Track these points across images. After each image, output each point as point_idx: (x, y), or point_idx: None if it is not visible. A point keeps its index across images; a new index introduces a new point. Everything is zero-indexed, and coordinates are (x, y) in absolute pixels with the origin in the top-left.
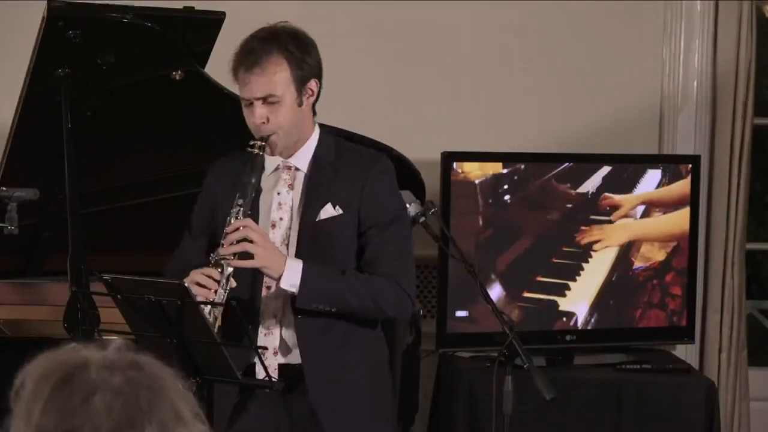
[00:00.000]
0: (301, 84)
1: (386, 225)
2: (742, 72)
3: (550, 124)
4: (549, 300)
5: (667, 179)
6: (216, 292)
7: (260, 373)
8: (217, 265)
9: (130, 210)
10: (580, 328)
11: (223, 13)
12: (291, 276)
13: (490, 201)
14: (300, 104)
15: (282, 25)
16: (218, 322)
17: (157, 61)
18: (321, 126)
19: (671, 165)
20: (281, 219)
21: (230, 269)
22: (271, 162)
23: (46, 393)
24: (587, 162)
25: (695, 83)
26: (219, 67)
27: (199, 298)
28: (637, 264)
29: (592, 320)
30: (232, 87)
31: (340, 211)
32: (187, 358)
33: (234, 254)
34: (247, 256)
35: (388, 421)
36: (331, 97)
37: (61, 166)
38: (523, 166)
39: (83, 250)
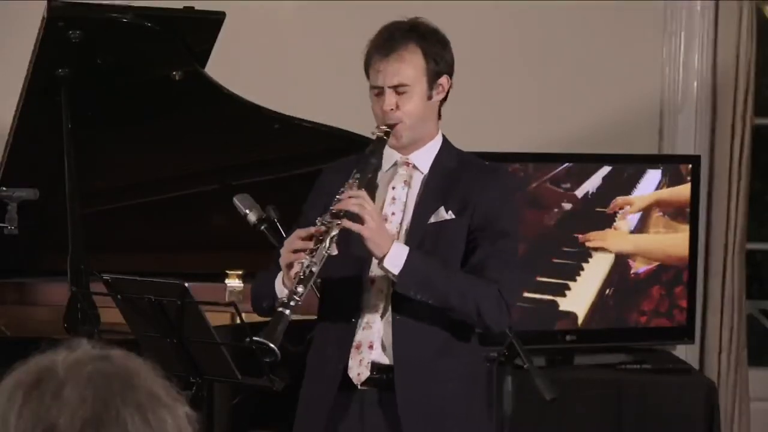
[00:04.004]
0: (433, 78)
1: (499, 234)
2: (742, 72)
3: (550, 124)
4: (549, 300)
5: (667, 179)
6: (317, 249)
7: (353, 369)
8: (324, 225)
9: (130, 210)
10: (580, 328)
11: (223, 13)
12: (395, 258)
13: None
14: (430, 98)
15: (420, 19)
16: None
17: (157, 61)
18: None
19: (671, 165)
20: (393, 214)
21: (336, 230)
22: (389, 158)
23: (20, 400)
24: (587, 162)
25: (695, 83)
26: (219, 67)
27: (291, 260)
28: (637, 264)
29: (592, 320)
30: (232, 87)
31: (452, 216)
32: (187, 358)
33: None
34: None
35: None
36: (332, 97)
37: (61, 166)
38: (523, 166)
39: (83, 250)
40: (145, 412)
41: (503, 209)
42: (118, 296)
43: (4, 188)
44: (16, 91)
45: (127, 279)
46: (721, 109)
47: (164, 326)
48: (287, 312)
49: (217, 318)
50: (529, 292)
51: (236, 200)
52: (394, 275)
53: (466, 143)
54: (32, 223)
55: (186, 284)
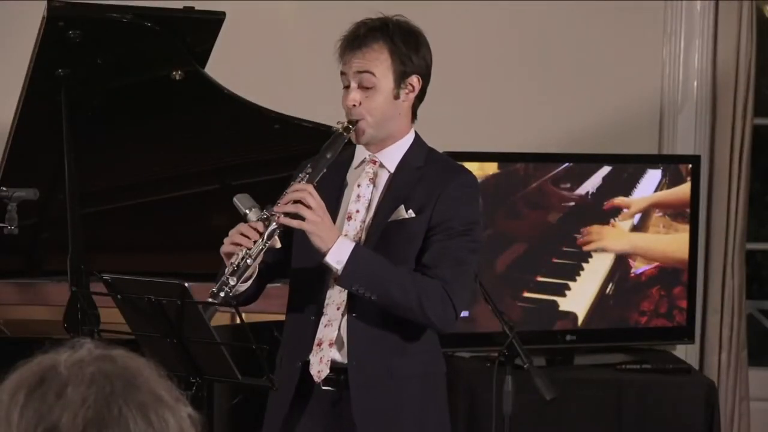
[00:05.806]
0: (401, 77)
1: (454, 234)
2: (742, 72)
3: (550, 124)
4: (549, 300)
5: (667, 179)
6: (255, 243)
7: (314, 366)
8: (265, 219)
9: (130, 210)
10: (580, 328)
11: (223, 13)
12: (339, 253)
13: (490, 201)
14: (396, 97)
15: (396, 18)
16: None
17: (157, 61)
18: (417, 134)
19: (671, 165)
20: (357, 212)
21: (275, 225)
22: (359, 156)
23: (22, 399)
24: (587, 162)
25: (695, 83)
26: (219, 67)
27: (234, 248)
28: (637, 264)
29: (592, 320)
30: (232, 87)
31: (412, 215)
32: (187, 358)
33: (285, 213)
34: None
35: None
36: (331, 97)
37: (61, 166)
38: (523, 166)
39: (83, 250)
40: (147, 413)
41: (459, 208)
42: (118, 296)
43: (4, 188)
44: (16, 91)
45: (127, 279)
46: (721, 109)
47: (164, 326)
48: (216, 302)
49: (217, 318)
50: (529, 292)
51: (236, 200)
52: (336, 270)
53: (466, 143)
54: (32, 223)
55: (186, 284)
